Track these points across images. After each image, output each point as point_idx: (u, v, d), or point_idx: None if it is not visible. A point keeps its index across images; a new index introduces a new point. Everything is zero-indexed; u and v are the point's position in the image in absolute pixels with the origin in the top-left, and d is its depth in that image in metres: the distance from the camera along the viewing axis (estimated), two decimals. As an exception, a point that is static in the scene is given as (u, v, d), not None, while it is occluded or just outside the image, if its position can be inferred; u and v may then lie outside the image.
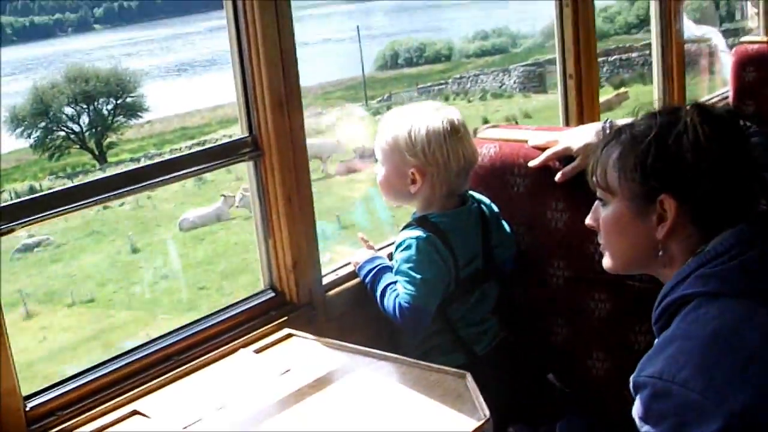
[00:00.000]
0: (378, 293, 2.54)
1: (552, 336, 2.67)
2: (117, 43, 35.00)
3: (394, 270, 2.54)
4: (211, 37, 33.39)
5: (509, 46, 31.83)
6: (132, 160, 24.18)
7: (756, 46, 4.19)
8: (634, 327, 2.50)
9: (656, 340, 1.78)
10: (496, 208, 2.65)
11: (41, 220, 2.11)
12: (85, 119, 26.74)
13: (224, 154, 2.43)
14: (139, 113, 27.31)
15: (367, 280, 2.58)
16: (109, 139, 26.63)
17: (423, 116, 2.49)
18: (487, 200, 2.64)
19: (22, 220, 2.05)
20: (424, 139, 2.45)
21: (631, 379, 1.70)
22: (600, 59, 3.16)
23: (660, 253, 1.81)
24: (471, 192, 2.63)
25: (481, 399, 2.02)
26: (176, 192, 21.03)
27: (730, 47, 4.56)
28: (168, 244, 18.47)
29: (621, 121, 1.96)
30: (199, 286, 16.11)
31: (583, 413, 2.64)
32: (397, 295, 2.48)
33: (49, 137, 26.06)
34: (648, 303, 2.43)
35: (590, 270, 2.53)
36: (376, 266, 2.58)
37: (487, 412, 1.97)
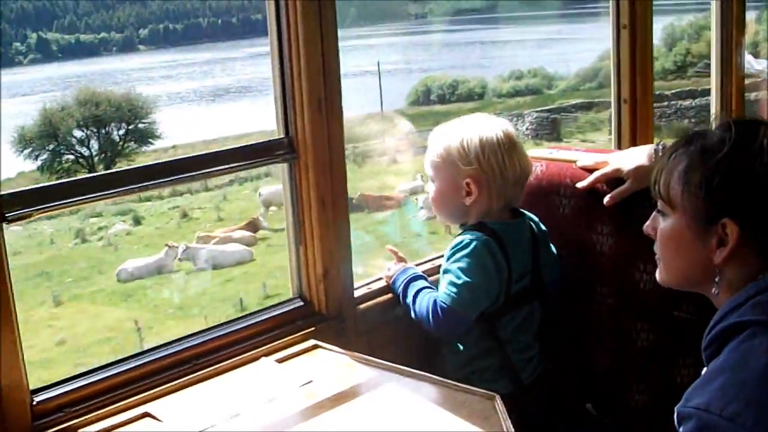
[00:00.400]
0: (410, 297, 2.43)
1: (592, 364, 2.56)
2: (158, 65, 35.16)
3: (442, 268, 2.41)
4: (251, 63, 33.44)
5: (543, 87, 31.01)
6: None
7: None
8: (678, 360, 2.39)
9: (704, 369, 1.66)
10: (544, 227, 2.54)
11: (55, 209, 2.03)
12: (94, 144, 26.11)
13: (258, 155, 2.34)
14: (150, 140, 26.56)
15: (400, 289, 2.48)
16: (118, 165, 25.30)
17: (474, 126, 2.39)
18: (536, 218, 2.54)
19: (36, 207, 1.97)
20: (478, 147, 2.35)
21: (676, 408, 1.57)
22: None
23: (717, 278, 1.70)
24: (522, 210, 2.53)
25: (509, 423, 1.90)
26: (158, 228, 20.39)
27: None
28: (93, 298, 17.18)
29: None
30: (78, 362, 14.17)
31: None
32: (435, 296, 2.37)
33: (57, 160, 25.41)
34: (693, 335, 2.30)
35: (635, 298, 2.44)
36: (410, 275, 2.48)
37: (515, 437, 1.85)
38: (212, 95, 33.75)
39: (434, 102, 31.25)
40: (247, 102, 30.28)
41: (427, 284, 2.44)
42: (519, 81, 31.30)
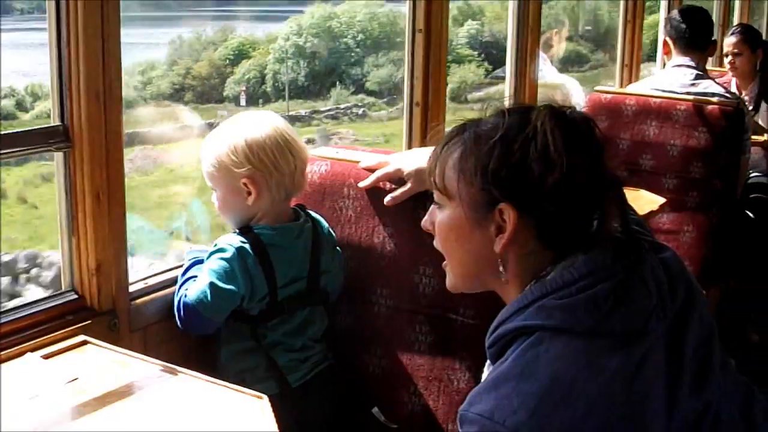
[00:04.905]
0: (180, 280, 2.46)
1: (372, 367, 2.57)
2: None
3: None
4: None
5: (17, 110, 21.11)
6: None
7: (609, 96, 4.28)
8: (455, 363, 2.42)
9: (487, 365, 1.67)
10: (331, 232, 2.56)
11: None
12: None
13: (29, 142, 2.25)
14: None
15: (187, 264, 2.50)
16: None
17: (238, 129, 2.42)
18: (325, 224, 2.55)
19: None
20: (246, 149, 2.37)
21: (459, 410, 1.54)
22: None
23: (500, 269, 1.67)
24: (311, 212, 2.54)
25: (275, 425, 1.88)
26: None
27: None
28: None
29: None
30: None
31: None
32: (187, 290, 2.39)
33: None
34: (471, 339, 2.37)
35: (414, 300, 2.46)
36: (193, 258, 2.50)
37: (278, 438, 1.84)
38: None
39: None
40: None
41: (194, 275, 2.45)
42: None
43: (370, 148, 2.68)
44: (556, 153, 1.58)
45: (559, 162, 1.58)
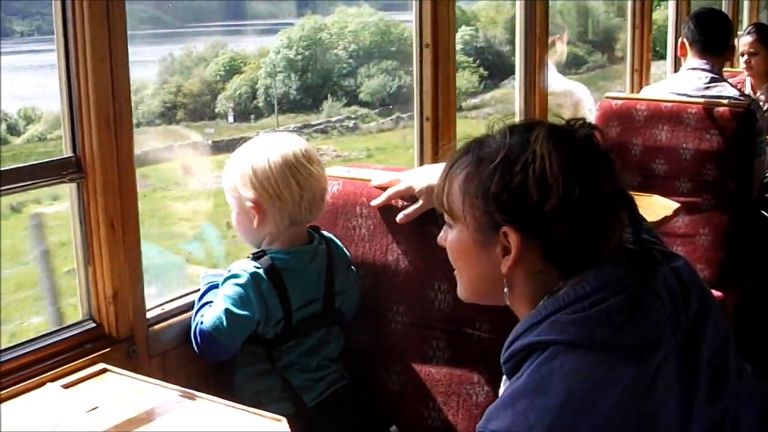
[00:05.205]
0: (196, 306, 2.47)
1: (390, 384, 2.57)
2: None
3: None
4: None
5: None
6: None
7: (620, 102, 4.27)
8: (473, 377, 2.42)
9: (503, 381, 1.67)
10: (346, 252, 2.57)
11: None
12: None
13: (42, 174, 2.26)
14: None
15: (203, 289, 2.51)
16: None
17: (251, 152, 2.45)
18: (339, 244, 2.56)
19: None
20: (252, 174, 2.41)
21: (477, 427, 1.56)
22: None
23: (505, 288, 1.68)
24: (325, 233, 2.54)
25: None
26: None
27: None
28: None
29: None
30: None
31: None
32: (203, 317, 2.40)
33: None
34: (488, 353, 2.37)
35: (429, 316, 2.46)
36: (210, 283, 2.51)
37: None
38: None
39: None
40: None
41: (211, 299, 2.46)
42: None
43: (382, 166, 2.68)
44: (552, 178, 1.59)
45: (556, 187, 1.59)
